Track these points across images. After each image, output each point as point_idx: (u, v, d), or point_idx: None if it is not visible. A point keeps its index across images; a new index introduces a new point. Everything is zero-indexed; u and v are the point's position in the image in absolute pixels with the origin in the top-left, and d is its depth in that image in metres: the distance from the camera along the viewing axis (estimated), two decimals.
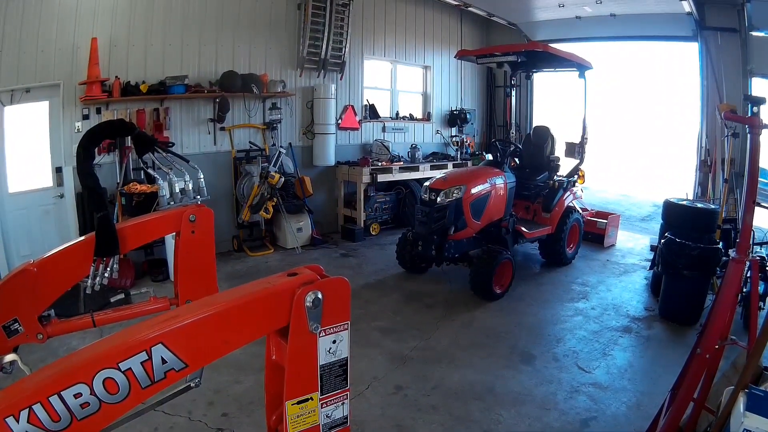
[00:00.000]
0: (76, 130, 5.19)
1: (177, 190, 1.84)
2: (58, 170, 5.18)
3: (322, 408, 1.00)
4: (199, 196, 1.87)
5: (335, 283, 0.97)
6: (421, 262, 5.57)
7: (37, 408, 0.80)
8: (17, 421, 0.79)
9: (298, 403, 0.96)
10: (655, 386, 3.35)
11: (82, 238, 1.67)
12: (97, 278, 1.65)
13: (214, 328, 0.91)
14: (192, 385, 1.21)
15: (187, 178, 1.86)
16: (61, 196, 5.23)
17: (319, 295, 0.94)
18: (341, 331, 0.99)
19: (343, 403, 1.03)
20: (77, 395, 0.83)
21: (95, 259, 1.63)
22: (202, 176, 1.89)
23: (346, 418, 1.04)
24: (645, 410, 3.04)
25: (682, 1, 6.56)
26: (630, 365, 3.73)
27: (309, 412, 0.98)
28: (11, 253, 4.99)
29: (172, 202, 1.84)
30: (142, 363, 0.86)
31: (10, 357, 1.41)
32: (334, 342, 0.99)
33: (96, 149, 1.76)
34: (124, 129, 1.87)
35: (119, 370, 0.85)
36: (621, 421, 3.01)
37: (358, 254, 6.46)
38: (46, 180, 5.21)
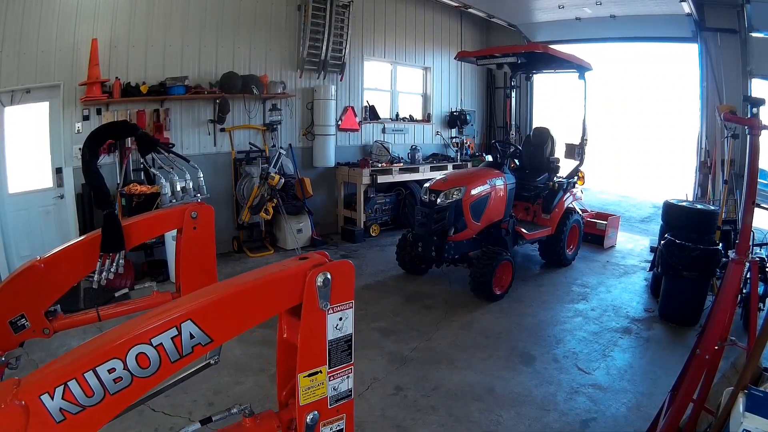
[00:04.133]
0: (76, 131, 5.20)
1: (178, 189, 1.90)
2: (58, 171, 5.19)
3: (329, 381, 1.09)
4: (199, 194, 1.93)
5: (342, 265, 1.06)
6: (421, 263, 5.57)
7: (72, 384, 0.86)
8: (52, 398, 0.85)
9: (309, 375, 1.05)
10: (654, 387, 3.35)
11: (89, 234, 1.70)
12: (104, 273, 1.70)
13: (237, 305, 0.99)
14: (212, 362, 1.26)
15: (188, 177, 1.92)
16: (61, 196, 5.23)
17: (329, 276, 1.03)
18: (346, 309, 1.08)
19: (348, 377, 1.12)
20: (111, 370, 0.88)
21: (101, 254, 1.67)
22: (201, 175, 1.95)
23: (351, 391, 1.13)
24: (645, 411, 3.04)
25: (682, 2, 6.57)
26: (630, 366, 3.73)
27: (318, 385, 1.08)
28: (11, 253, 4.99)
29: (174, 200, 1.89)
30: (172, 338, 0.93)
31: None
32: (341, 319, 1.08)
33: (99, 149, 1.80)
34: (127, 130, 1.93)
35: (151, 345, 0.91)
36: (621, 422, 3.01)
37: (358, 255, 6.46)
38: (47, 181, 5.21)
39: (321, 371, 1.07)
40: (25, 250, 5.05)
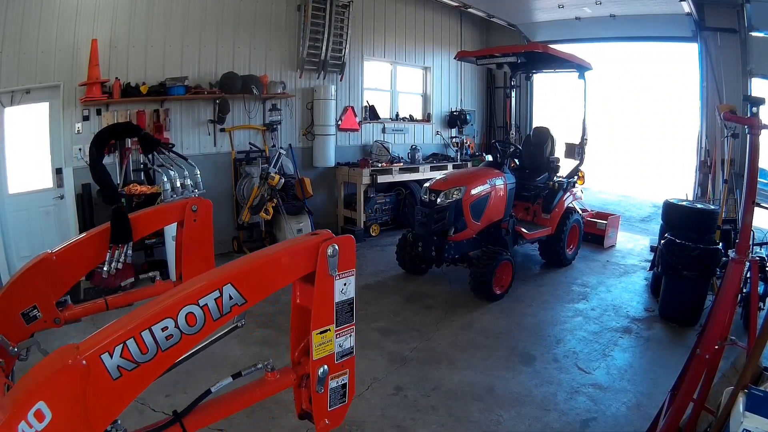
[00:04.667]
0: (76, 132, 5.20)
1: (178, 185, 2.06)
2: (58, 171, 5.19)
3: (336, 338, 1.28)
4: (197, 190, 2.06)
5: (346, 239, 1.25)
6: (421, 263, 5.57)
7: (130, 343, 0.99)
8: (111, 357, 0.97)
9: (321, 333, 1.24)
10: (654, 387, 3.35)
11: (98, 227, 1.80)
12: (113, 264, 1.80)
13: (266, 271, 1.18)
14: (239, 324, 1.37)
15: (186, 174, 2.04)
16: (61, 197, 5.23)
17: (336, 247, 1.22)
18: (350, 276, 1.28)
19: (350, 335, 1.30)
20: (164, 329, 1.02)
21: (111, 246, 1.78)
22: (198, 172, 2.08)
23: (353, 348, 1.32)
24: (645, 411, 3.05)
25: (682, 2, 6.57)
26: (630, 366, 3.73)
27: (328, 341, 1.26)
28: (11, 253, 4.99)
29: (174, 196, 2.05)
30: (215, 299, 1.08)
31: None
32: (345, 284, 1.27)
33: (105, 149, 1.94)
34: (130, 130, 2.08)
35: (198, 305, 1.06)
36: (621, 421, 3.01)
37: (357, 255, 6.41)
38: (47, 181, 5.21)
39: (330, 329, 1.26)
40: (25, 250, 5.04)
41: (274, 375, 1.30)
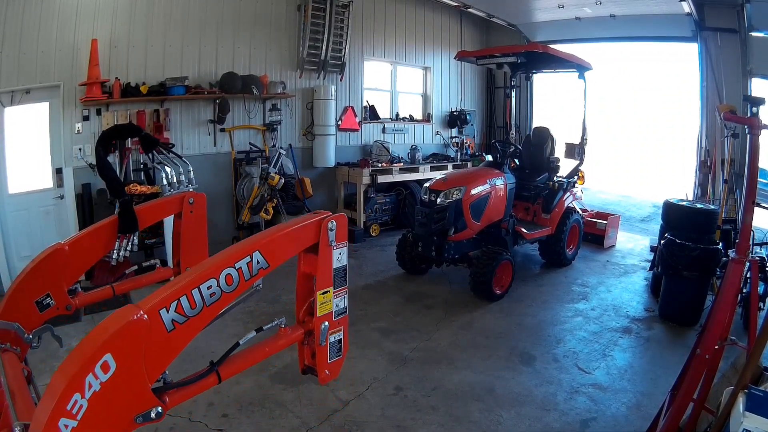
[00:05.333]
0: (76, 131, 5.20)
1: (175, 180, 2.33)
2: (58, 171, 5.19)
3: (334, 298, 1.54)
4: (191, 185, 2.28)
5: (340, 217, 1.52)
6: (421, 263, 5.57)
7: (183, 299, 1.18)
8: (167, 312, 1.15)
9: (323, 293, 1.50)
10: (654, 387, 3.35)
11: (106, 219, 1.96)
12: (121, 252, 1.98)
13: (284, 241, 1.42)
14: (258, 287, 1.54)
15: (181, 171, 2.28)
16: (61, 197, 5.23)
17: (334, 223, 1.48)
18: (343, 247, 1.53)
19: (343, 297, 1.57)
20: (209, 287, 1.23)
21: (119, 236, 1.95)
22: (191, 169, 2.33)
23: (345, 308, 1.58)
24: (645, 411, 3.05)
25: (682, 2, 6.57)
26: (630, 366, 3.73)
27: (327, 301, 1.52)
28: (11, 253, 5.00)
29: (172, 190, 2.29)
30: (246, 263, 1.31)
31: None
32: (340, 254, 1.52)
33: (110, 147, 2.11)
34: (132, 130, 2.30)
35: (234, 268, 1.28)
36: (621, 421, 3.01)
37: (358, 255, 6.46)
38: (47, 181, 5.21)
39: (329, 291, 1.52)
40: (25, 250, 5.04)
41: (287, 331, 1.51)
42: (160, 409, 1.18)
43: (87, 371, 1.03)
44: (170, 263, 2.26)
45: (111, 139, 2.05)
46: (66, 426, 1.01)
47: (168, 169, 2.27)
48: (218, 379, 1.34)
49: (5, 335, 1.58)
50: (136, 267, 2.13)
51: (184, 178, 2.32)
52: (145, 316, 1.11)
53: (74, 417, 1.02)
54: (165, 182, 2.28)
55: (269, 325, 1.50)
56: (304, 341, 1.56)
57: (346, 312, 1.58)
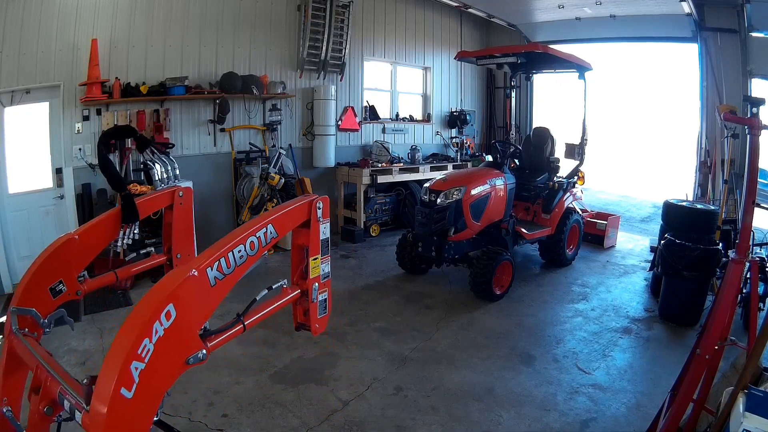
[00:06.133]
0: (76, 131, 5.20)
1: (165, 177, 2.56)
2: (58, 171, 5.19)
3: (321, 264, 1.86)
4: (177, 180, 2.59)
5: (324, 198, 1.86)
6: (421, 263, 5.57)
7: (222, 260, 1.47)
8: (212, 269, 1.43)
9: (314, 259, 1.83)
10: (654, 387, 3.35)
11: (110, 211, 2.19)
12: (124, 239, 2.21)
13: (286, 217, 1.77)
14: (267, 255, 1.81)
15: (169, 168, 2.59)
16: (62, 197, 5.23)
17: (321, 203, 1.83)
18: (327, 223, 1.87)
19: (327, 263, 1.89)
20: (239, 251, 1.53)
21: (123, 225, 2.18)
22: (177, 166, 2.66)
23: (329, 273, 1.91)
24: (645, 411, 3.04)
25: (682, 2, 6.57)
26: (630, 366, 3.73)
27: (317, 266, 1.85)
28: (11, 253, 5.00)
29: (162, 185, 2.52)
30: (263, 233, 1.63)
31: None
32: (325, 228, 1.86)
33: (111, 146, 2.49)
34: (129, 131, 2.64)
35: (255, 236, 1.60)
36: (621, 421, 3.01)
37: (357, 255, 6.46)
38: (46, 181, 5.21)
39: (318, 257, 1.85)
40: (25, 250, 5.04)
41: (288, 290, 1.83)
42: (204, 352, 1.42)
43: (155, 318, 1.24)
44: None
45: (111, 138, 2.38)
46: (136, 369, 1.20)
47: (158, 167, 2.52)
48: (243, 328, 1.62)
49: (23, 321, 1.70)
50: (134, 254, 2.37)
51: (171, 175, 2.57)
52: (197, 273, 1.38)
53: (143, 360, 1.22)
54: (156, 178, 2.52)
55: (276, 285, 1.80)
56: (297, 301, 1.88)
57: (329, 276, 1.92)
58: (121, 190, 2.24)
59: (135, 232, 2.24)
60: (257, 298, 1.70)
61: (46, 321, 1.70)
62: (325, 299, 1.91)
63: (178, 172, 2.64)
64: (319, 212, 1.83)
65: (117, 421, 1.19)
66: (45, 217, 5.21)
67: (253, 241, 1.59)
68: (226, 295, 1.48)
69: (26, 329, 1.69)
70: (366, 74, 8.07)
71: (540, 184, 5.99)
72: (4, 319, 4.55)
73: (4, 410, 1.62)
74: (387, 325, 4.35)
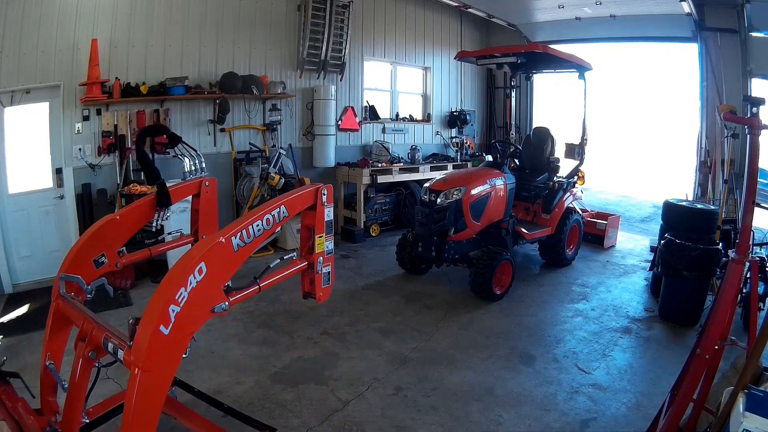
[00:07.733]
0: (76, 132, 5.20)
1: (193, 168, 2.91)
2: (58, 171, 5.19)
3: (326, 241, 2.17)
4: (204, 172, 2.94)
5: (329, 186, 2.17)
6: (421, 263, 5.57)
7: (243, 231, 1.80)
8: (235, 237, 1.76)
9: (319, 237, 2.13)
10: (654, 387, 3.35)
11: (146, 197, 2.56)
12: (158, 220, 2.57)
13: (296, 201, 2.08)
14: (278, 233, 1.98)
15: (197, 161, 2.95)
16: (62, 197, 5.23)
17: (325, 191, 2.14)
18: (330, 207, 2.17)
19: (330, 241, 2.19)
20: (257, 225, 1.86)
21: (157, 209, 2.55)
22: (203, 160, 3.00)
23: (332, 250, 2.21)
24: (645, 411, 3.04)
25: (682, 2, 6.57)
26: (630, 366, 3.73)
27: (321, 243, 2.15)
28: (11, 253, 5.00)
29: (190, 176, 2.88)
30: (277, 212, 1.96)
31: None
32: (329, 211, 2.16)
33: (145, 142, 2.87)
34: (160, 129, 3.15)
35: (271, 214, 1.93)
36: (621, 421, 3.01)
37: (358, 255, 6.46)
38: (47, 181, 5.21)
39: (323, 236, 2.15)
40: (25, 250, 5.05)
41: (297, 261, 2.13)
42: (226, 303, 1.77)
43: (190, 272, 1.60)
44: (189, 232, 2.85)
45: (147, 136, 2.81)
46: (173, 311, 1.55)
47: (187, 161, 2.87)
48: (259, 288, 1.93)
49: (70, 286, 2.04)
50: (162, 236, 2.74)
51: (198, 167, 2.92)
52: (224, 240, 1.73)
53: (179, 304, 1.56)
54: (186, 170, 2.88)
55: (288, 256, 2.10)
56: (305, 273, 2.17)
57: (332, 252, 2.22)
58: (157, 179, 2.55)
59: (167, 215, 2.60)
60: (271, 266, 1.98)
61: (89, 287, 2.04)
62: (329, 272, 2.21)
63: (204, 164, 2.98)
64: (324, 197, 2.13)
65: (155, 353, 1.52)
66: (45, 217, 5.21)
67: (268, 218, 1.91)
68: (245, 260, 1.82)
69: (72, 294, 2.02)
70: (366, 74, 8.07)
71: (540, 184, 5.99)
72: (4, 318, 4.65)
73: (47, 363, 1.94)
74: (387, 325, 4.35)
